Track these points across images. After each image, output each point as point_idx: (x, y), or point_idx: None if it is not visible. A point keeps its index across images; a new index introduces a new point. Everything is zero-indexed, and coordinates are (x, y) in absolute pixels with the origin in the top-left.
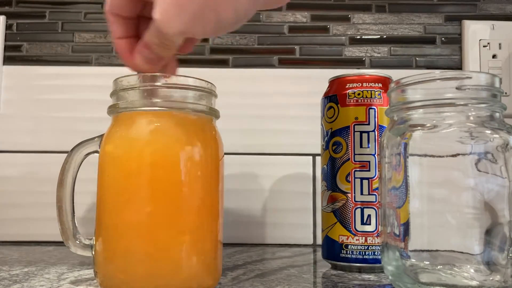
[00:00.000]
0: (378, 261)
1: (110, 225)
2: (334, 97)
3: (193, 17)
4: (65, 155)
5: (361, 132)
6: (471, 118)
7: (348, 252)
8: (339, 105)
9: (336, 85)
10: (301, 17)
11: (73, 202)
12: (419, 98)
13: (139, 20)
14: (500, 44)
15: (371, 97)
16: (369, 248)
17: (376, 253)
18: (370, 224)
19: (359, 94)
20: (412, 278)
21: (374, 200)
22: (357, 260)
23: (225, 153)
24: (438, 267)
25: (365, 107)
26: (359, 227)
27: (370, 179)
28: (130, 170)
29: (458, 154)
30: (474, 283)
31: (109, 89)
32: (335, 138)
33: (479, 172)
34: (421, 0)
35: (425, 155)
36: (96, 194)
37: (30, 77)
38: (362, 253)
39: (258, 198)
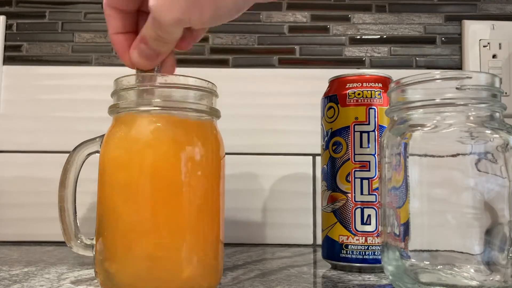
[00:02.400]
0: (378, 261)
1: (111, 225)
2: (334, 97)
3: (189, 2)
4: (65, 155)
5: (361, 132)
6: (471, 118)
7: (348, 252)
8: (339, 105)
9: (336, 85)
10: (301, 17)
11: (75, 202)
12: (419, 98)
13: (138, 15)
14: (500, 44)
15: (371, 97)
16: (369, 248)
17: (376, 253)
18: (370, 224)
19: (359, 94)
20: (412, 278)
21: (374, 200)
22: (357, 260)
23: (225, 153)
24: (438, 267)
25: (365, 107)
26: (359, 227)
27: (370, 179)
28: (130, 170)
29: (458, 154)
30: (474, 283)
31: (109, 89)
32: (335, 138)
33: (479, 172)
34: (421, 0)
35: (425, 155)
36: (97, 194)
37: (30, 77)
38: (362, 253)
39: (258, 198)
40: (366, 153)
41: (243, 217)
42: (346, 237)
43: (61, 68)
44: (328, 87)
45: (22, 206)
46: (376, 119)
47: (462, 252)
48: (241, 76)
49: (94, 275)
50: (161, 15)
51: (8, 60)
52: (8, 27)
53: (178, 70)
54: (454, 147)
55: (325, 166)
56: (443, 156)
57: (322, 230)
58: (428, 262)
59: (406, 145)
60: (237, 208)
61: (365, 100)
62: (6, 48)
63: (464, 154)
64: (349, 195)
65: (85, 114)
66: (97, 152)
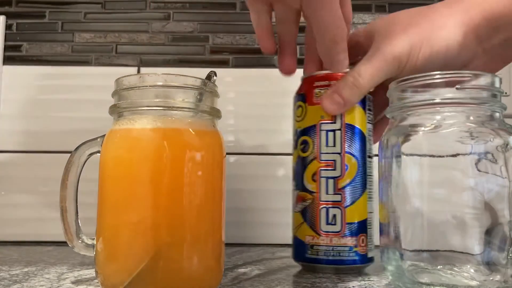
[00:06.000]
0: (343, 262)
1: (111, 225)
2: (303, 95)
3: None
4: (65, 155)
5: (327, 131)
6: (471, 118)
7: (313, 252)
8: (306, 104)
9: (305, 83)
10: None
11: (76, 202)
12: (419, 98)
13: None
14: None
15: None
16: (334, 249)
17: (341, 254)
18: (335, 224)
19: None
20: (412, 278)
21: (340, 200)
22: (322, 261)
23: (226, 153)
24: (438, 267)
25: None
26: (324, 227)
27: (335, 178)
28: (131, 170)
29: (458, 154)
30: (474, 283)
31: (109, 89)
32: (303, 137)
33: (479, 172)
34: (421, 0)
35: (425, 155)
36: (98, 194)
37: (30, 77)
38: (327, 253)
39: (258, 198)
40: (332, 152)
41: (243, 217)
42: (312, 237)
43: (61, 68)
44: (300, 85)
45: (22, 206)
46: (343, 117)
47: (462, 252)
48: (241, 76)
49: (94, 275)
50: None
51: (8, 60)
52: (8, 27)
53: (178, 70)
54: (454, 147)
55: (295, 165)
56: (443, 156)
57: (292, 230)
58: (428, 262)
59: (406, 145)
60: (237, 208)
61: None
62: (6, 48)
63: (464, 154)
64: (315, 194)
65: (85, 114)
66: (99, 152)
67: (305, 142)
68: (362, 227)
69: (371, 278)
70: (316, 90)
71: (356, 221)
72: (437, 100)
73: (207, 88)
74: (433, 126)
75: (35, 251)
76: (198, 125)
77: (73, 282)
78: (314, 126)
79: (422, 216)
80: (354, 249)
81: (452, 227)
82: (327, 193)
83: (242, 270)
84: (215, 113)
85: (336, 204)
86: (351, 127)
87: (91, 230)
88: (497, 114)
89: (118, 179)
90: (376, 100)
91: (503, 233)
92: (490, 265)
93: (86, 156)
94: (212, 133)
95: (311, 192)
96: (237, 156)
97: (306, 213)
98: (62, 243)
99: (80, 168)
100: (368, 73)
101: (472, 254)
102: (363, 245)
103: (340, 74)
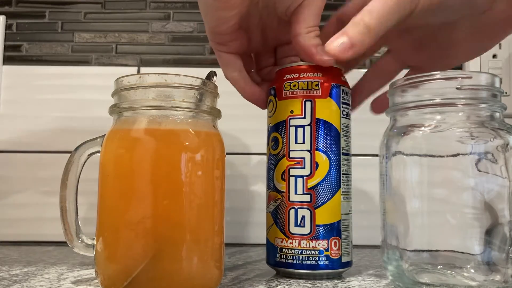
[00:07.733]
0: (312, 266)
1: (111, 225)
2: (273, 89)
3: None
4: (65, 155)
5: (296, 127)
6: (471, 118)
7: (282, 256)
8: (276, 98)
9: (276, 76)
10: None
11: (76, 202)
12: (419, 98)
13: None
14: (500, 44)
15: (307, 89)
16: (303, 253)
17: (310, 258)
18: (304, 226)
19: (294, 85)
20: (412, 278)
21: (309, 200)
22: (291, 265)
23: (226, 153)
24: (438, 267)
25: (301, 100)
26: (293, 229)
27: (305, 177)
28: (131, 170)
29: (458, 154)
30: (474, 283)
31: (109, 89)
32: (273, 133)
33: (479, 172)
34: None
35: (425, 155)
36: (98, 194)
37: (30, 77)
38: (296, 257)
39: (258, 198)
40: (301, 149)
41: (243, 217)
42: (281, 239)
43: (61, 68)
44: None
45: (22, 206)
46: (313, 112)
47: (462, 252)
48: None
49: (94, 275)
50: None
51: (8, 60)
52: (8, 27)
53: (178, 70)
54: (454, 147)
55: (267, 163)
56: (443, 156)
57: (265, 232)
58: (428, 262)
59: (406, 145)
60: (237, 208)
61: (301, 92)
62: (6, 48)
63: (464, 154)
64: (284, 194)
65: (85, 114)
66: (99, 152)
67: (275, 139)
68: (334, 230)
69: (371, 278)
70: (286, 84)
71: (327, 223)
72: (437, 100)
73: (207, 88)
74: (433, 126)
75: (35, 251)
76: (198, 125)
77: (73, 282)
78: (283, 122)
79: (422, 216)
80: (325, 253)
81: (452, 227)
82: (296, 193)
83: (242, 270)
84: (215, 113)
85: (306, 204)
86: (322, 123)
87: (91, 230)
88: (497, 114)
89: (118, 179)
90: (379, 65)
91: (503, 233)
92: (490, 265)
93: (86, 156)
94: (212, 133)
95: (280, 192)
96: (237, 156)
97: (276, 214)
98: (62, 243)
99: (80, 168)
100: (379, 11)
101: (472, 254)
102: (335, 248)
103: (307, 64)
